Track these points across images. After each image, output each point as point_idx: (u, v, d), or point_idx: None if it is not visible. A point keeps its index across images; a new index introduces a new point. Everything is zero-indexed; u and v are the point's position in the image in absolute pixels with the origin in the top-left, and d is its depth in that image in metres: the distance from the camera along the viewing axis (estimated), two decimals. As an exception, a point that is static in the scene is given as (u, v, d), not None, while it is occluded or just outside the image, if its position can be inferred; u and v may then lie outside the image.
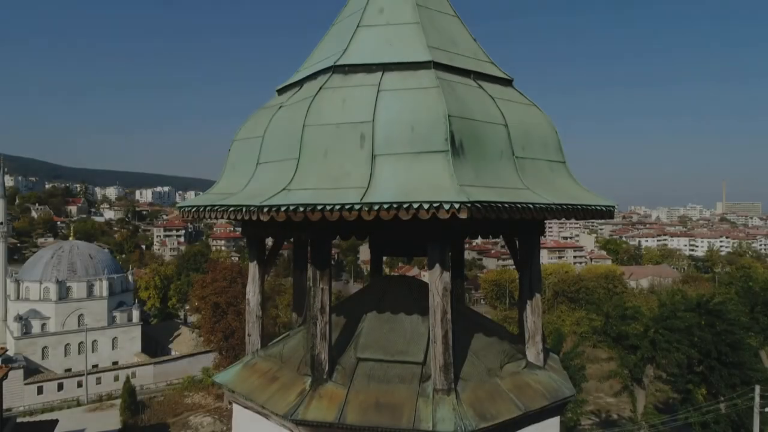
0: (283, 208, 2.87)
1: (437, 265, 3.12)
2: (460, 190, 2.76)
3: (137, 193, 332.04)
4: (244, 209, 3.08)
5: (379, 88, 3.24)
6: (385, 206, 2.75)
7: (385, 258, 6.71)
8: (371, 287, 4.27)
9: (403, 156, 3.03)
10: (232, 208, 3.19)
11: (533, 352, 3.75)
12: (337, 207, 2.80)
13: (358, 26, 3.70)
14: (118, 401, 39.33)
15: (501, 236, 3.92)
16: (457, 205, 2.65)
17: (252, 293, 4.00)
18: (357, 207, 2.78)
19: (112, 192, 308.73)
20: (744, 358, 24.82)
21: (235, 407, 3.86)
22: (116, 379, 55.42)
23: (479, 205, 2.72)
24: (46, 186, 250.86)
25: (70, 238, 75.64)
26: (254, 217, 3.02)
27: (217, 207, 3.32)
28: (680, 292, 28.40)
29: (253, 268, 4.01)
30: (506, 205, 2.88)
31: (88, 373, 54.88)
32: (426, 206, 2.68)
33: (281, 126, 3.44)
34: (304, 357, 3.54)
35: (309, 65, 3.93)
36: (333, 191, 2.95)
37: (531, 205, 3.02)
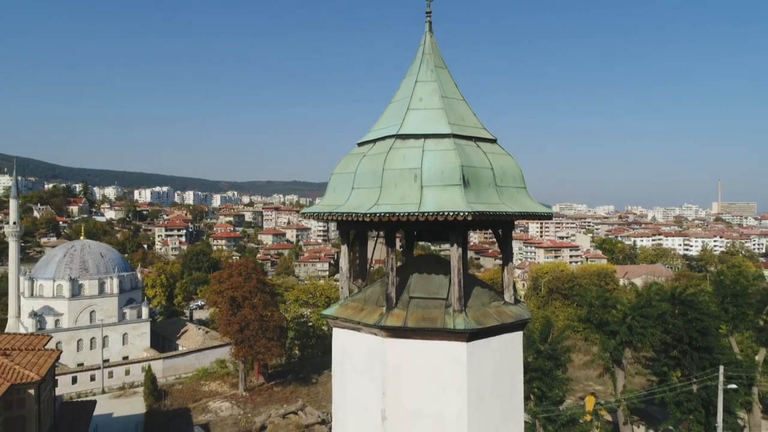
0: (377, 214, 5.64)
1: (455, 244, 5.91)
2: (468, 205, 5.53)
3: (136, 192, 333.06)
4: (353, 214, 5.86)
5: (423, 149, 6.02)
6: (430, 214, 5.52)
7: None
8: (412, 261, 7.05)
9: (437, 187, 5.80)
10: (345, 214, 5.97)
11: (507, 296, 6.57)
12: (406, 214, 5.57)
13: (408, 109, 6.49)
14: (140, 389, 41.87)
15: (490, 229, 6.71)
16: (467, 213, 5.43)
17: (343, 263, 6.83)
18: (416, 214, 5.55)
19: (110, 192, 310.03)
20: (712, 343, 27.79)
21: (335, 330, 6.63)
22: (127, 373, 57.79)
23: (478, 213, 5.50)
24: (46, 186, 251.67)
25: (81, 238, 77.71)
26: (359, 219, 5.79)
27: (334, 213, 6.11)
28: (657, 285, 31.38)
29: (344, 249, 6.83)
30: (491, 213, 5.67)
31: (104, 367, 57.22)
32: (451, 214, 5.45)
33: (368, 168, 6.22)
34: (380, 296, 6.32)
35: (377, 129, 6.72)
36: (401, 205, 5.72)
37: (504, 212, 5.82)
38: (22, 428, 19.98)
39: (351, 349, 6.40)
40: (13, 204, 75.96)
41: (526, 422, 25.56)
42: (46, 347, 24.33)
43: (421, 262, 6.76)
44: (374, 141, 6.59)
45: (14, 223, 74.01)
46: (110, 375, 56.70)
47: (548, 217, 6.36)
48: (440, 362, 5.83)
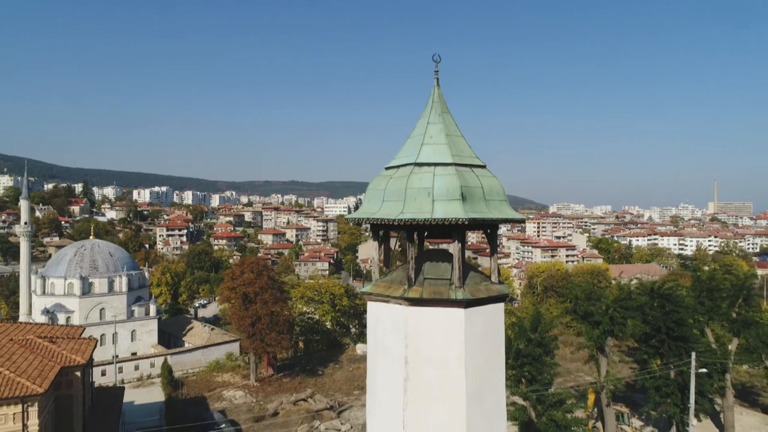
0: (403, 220, 8.20)
1: (456, 240, 8.48)
2: (465, 213, 8.09)
3: (135, 192, 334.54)
4: (386, 219, 8.42)
5: (434, 174, 8.58)
6: (439, 219, 8.07)
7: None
8: (425, 253, 9.61)
9: (444, 200, 8.36)
10: (379, 219, 8.53)
11: (493, 277, 9.15)
12: (423, 219, 8.13)
13: (422, 144, 9.05)
14: (157, 380, 44.28)
15: (481, 230, 9.28)
16: (465, 219, 7.99)
17: (375, 254, 9.39)
18: (429, 219, 8.10)
19: (109, 192, 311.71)
20: (687, 333, 30.55)
21: (369, 303, 9.18)
22: (136, 368, 59.87)
23: (472, 219, 8.06)
24: (45, 186, 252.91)
25: (91, 237, 79.66)
26: (390, 223, 8.35)
27: (371, 219, 8.67)
28: (637, 280, 34.06)
29: (375, 244, 9.40)
30: (481, 219, 8.24)
31: (117, 362, 59.34)
32: (454, 219, 8.02)
33: (395, 186, 8.78)
34: (402, 278, 8.88)
35: (400, 158, 9.27)
36: (419, 213, 8.26)
37: (490, 218, 8.40)
38: (69, 406, 22.49)
39: (382, 316, 8.98)
40: (24, 205, 78.17)
41: (518, 403, 28.19)
42: (82, 336, 26.80)
43: (431, 254, 9.33)
44: (398, 167, 9.17)
45: (25, 223, 76.17)
46: (120, 370, 58.96)
47: (521, 221, 8.96)
48: (446, 323, 8.40)
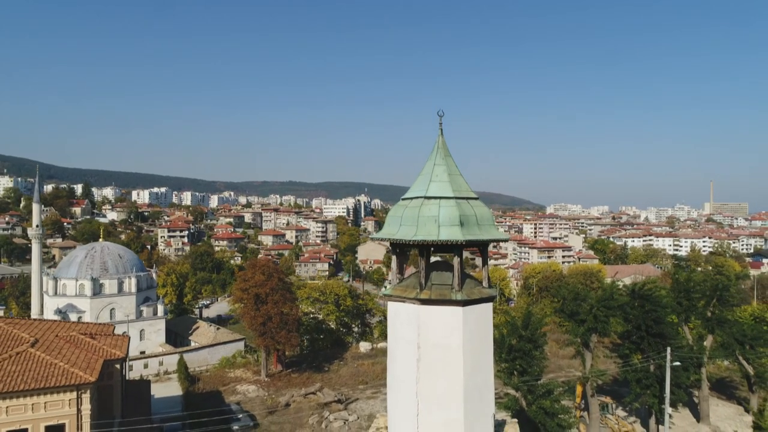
0: (416, 240, 11.01)
1: (456, 256, 11.29)
2: (463, 236, 10.88)
3: (134, 193, 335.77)
4: (403, 240, 11.21)
5: (439, 205, 11.37)
6: (444, 241, 10.87)
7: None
8: (431, 265, 12.41)
9: (447, 226, 11.15)
10: (397, 239, 11.33)
11: (485, 283, 11.98)
12: (431, 240, 10.94)
13: (430, 181, 11.85)
14: (173, 376, 46.90)
15: (476, 248, 12.09)
16: (462, 240, 10.81)
17: (394, 265, 12.19)
18: (436, 240, 10.91)
19: (109, 192, 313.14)
20: (665, 330, 33.49)
21: (389, 303, 11.98)
22: (146, 366, 62.29)
23: (468, 240, 10.87)
24: (45, 187, 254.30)
25: (100, 240, 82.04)
26: (406, 242, 11.16)
27: (392, 239, 11.46)
28: (621, 281, 36.98)
29: (394, 257, 12.20)
30: (475, 240, 11.06)
31: (128, 360, 61.73)
32: (455, 240, 10.82)
33: (409, 214, 11.58)
34: (415, 283, 11.67)
35: (413, 191, 12.08)
36: (428, 236, 11.04)
37: (482, 240, 11.22)
38: (110, 395, 25.19)
39: (399, 312, 11.79)
40: (35, 208, 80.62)
41: (510, 394, 31.01)
42: (114, 333, 29.48)
43: (437, 265, 12.15)
44: (411, 198, 12.00)
45: (37, 226, 78.62)
46: (131, 368, 61.39)
47: (506, 240, 11.82)
48: (448, 318, 11.21)
